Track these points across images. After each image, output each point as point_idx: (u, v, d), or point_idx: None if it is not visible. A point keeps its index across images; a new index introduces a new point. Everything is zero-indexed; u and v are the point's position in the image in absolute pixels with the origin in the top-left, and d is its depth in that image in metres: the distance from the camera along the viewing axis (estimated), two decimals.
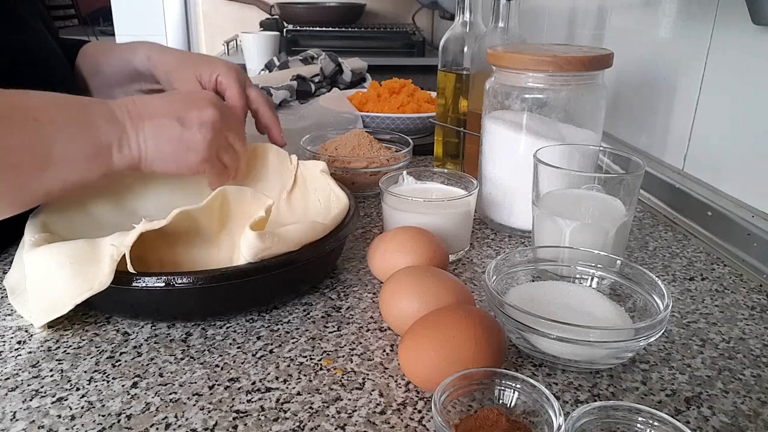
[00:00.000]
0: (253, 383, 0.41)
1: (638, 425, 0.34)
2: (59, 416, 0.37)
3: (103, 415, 0.37)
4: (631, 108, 0.83)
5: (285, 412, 0.38)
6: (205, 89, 0.65)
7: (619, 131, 0.86)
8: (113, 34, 2.05)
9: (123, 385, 0.40)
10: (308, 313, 0.49)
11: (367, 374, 0.42)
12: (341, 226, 0.51)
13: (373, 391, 0.40)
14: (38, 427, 0.36)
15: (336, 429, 0.37)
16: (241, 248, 0.45)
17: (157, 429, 0.36)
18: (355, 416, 0.38)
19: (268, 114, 0.67)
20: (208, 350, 0.44)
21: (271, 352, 0.44)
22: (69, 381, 0.40)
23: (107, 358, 0.43)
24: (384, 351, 0.44)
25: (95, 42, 0.75)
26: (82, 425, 0.36)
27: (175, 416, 0.37)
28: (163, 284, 0.43)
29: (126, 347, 0.44)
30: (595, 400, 0.39)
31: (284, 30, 1.88)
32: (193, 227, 0.49)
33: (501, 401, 0.37)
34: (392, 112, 0.97)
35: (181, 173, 0.53)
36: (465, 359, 0.37)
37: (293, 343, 0.45)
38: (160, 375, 0.41)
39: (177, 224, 0.46)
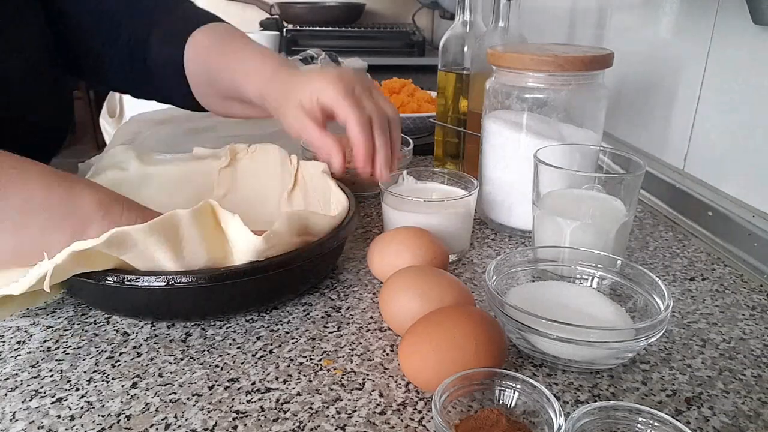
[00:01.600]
0: (253, 383, 0.41)
1: (638, 425, 0.34)
2: (59, 416, 0.37)
3: (102, 416, 0.37)
4: (631, 108, 0.83)
5: (285, 412, 0.38)
6: (312, 114, 0.56)
7: (619, 131, 0.86)
8: None
9: (123, 386, 0.40)
10: (308, 313, 0.49)
11: (367, 374, 0.42)
12: (341, 226, 0.51)
13: (373, 391, 0.40)
14: (38, 428, 0.36)
15: (336, 429, 0.37)
16: (239, 248, 0.45)
17: (157, 429, 0.36)
18: (355, 416, 0.38)
19: (394, 134, 0.57)
20: (208, 350, 0.44)
21: (271, 352, 0.44)
22: (68, 381, 0.40)
23: (107, 358, 0.43)
24: (384, 351, 0.44)
25: (211, 28, 0.67)
26: (82, 425, 0.36)
27: (175, 416, 0.37)
28: (164, 283, 0.42)
29: (126, 347, 0.44)
30: (596, 401, 0.39)
31: (284, 30, 1.88)
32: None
33: (501, 401, 0.37)
34: None
35: None
36: (465, 359, 0.37)
37: (293, 343, 0.45)
38: (160, 375, 0.41)
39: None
